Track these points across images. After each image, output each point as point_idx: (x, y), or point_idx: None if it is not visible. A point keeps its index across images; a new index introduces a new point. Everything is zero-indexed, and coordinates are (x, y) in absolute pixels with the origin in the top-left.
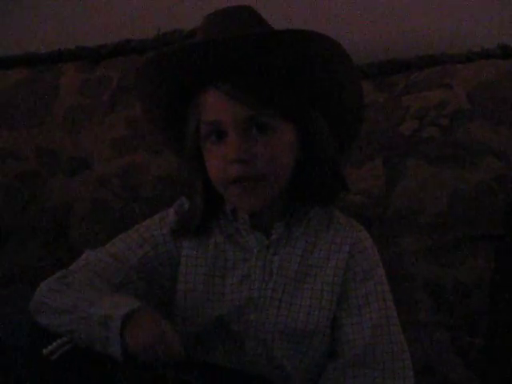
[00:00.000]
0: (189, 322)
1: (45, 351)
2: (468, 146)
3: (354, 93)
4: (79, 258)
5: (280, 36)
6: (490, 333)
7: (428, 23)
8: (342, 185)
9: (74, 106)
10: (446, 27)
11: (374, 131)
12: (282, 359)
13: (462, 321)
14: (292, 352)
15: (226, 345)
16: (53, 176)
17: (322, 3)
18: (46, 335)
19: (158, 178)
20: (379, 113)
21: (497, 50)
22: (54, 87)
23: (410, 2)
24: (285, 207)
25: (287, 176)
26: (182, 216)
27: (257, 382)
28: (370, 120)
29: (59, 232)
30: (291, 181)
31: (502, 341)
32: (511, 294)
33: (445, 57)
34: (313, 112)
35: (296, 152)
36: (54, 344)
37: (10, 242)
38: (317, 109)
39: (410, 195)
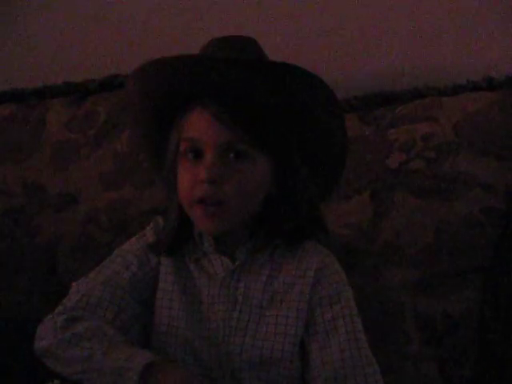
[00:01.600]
0: (162, 339)
1: None
2: (455, 178)
3: (338, 137)
4: (70, 292)
5: (272, 67)
6: (479, 365)
7: (413, 56)
8: (321, 227)
9: (61, 142)
10: (432, 60)
11: (361, 164)
12: None
13: (451, 353)
14: (261, 382)
15: (203, 372)
16: (40, 211)
17: (308, 37)
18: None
19: (145, 212)
20: (366, 146)
21: (482, 82)
22: (41, 122)
23: (395, 36)
24: (250, 232)
25: (253, 207)
26: (158, 233)
27: None
28: (356, 153)
29: (47, 267)
30: (259, 214)
31: (491, 373)
32: (500, 326)
33: (430, 90)
34: (292, 150)
35: (267, 186)
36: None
37: None
38: (298, 150)
39: (397, 228)
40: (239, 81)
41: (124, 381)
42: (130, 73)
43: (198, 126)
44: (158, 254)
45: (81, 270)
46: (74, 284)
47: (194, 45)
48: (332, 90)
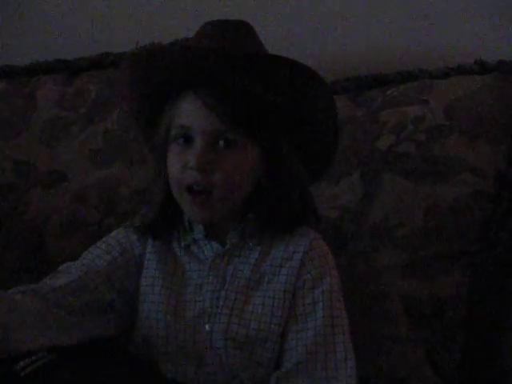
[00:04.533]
0: (145, 325)
1: (16, 366)
2: (444, 161)
3: (329, 124)
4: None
5: (265, 60)
6: (466, 348)
7: (405, 39)
8: (313, 216)
9: (51, 119)
10: (423, 43)
11: (351, 146)
12: (238, 371)
13: (438, 336)
14: (247, 362)
15: (186, 357)
16: (30, 189)
17: (300, 19)
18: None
19: (135, 191)
20: (356, 128)
21: (474, 65)
22: (31, 100)
23: (387, 18)
24: (241, 217)
25: (242, 196)
26: (144, 215)
27: None
28: (347, 135)
29: (35, 245)
30: (249, 200)
31: (478, 356)
32: (488, 310)
33: (421, 72)
34: (282, 140)
35: (257, 175)
36: (27, 360)
37: None
38: (289, 137)
39: (386, 210)
40: (232, 72)
41: None
42: (125, 55)
43: (190, 113)
44: (144, 235)
45: (69, 248)
46: (65, 263)
47: (187, 25)
48: (323, 79)
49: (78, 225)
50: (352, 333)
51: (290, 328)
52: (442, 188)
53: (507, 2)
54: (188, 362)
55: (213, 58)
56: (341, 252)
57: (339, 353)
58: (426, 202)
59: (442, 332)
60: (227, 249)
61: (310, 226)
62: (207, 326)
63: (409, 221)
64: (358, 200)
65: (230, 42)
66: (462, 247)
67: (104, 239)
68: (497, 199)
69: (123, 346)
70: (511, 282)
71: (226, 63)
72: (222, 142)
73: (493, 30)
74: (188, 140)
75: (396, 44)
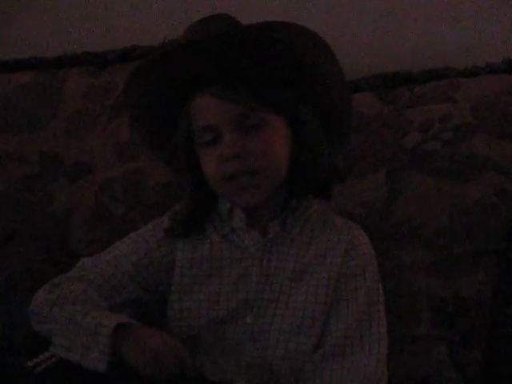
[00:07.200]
0: (184, 324)
1: (30, 363)
2: (471, 160)
3: (338, 84)
4: (76, 265)
5: (254, 30)
6: (490, 347)
7: (433, 37)
8: (338, 176)
9: (78, 111)
10: (451, 41)
11: (378, 143)
12: (278, 363)
13: (462, 335)
14: (288, 351)
15: (223, 350)
16: (55, 180)
17: (328, 15)
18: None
19: (160, 184)
20: (383, 125)
21: (501, 64)
22: (59, 92)
23: (415, 16)
24: (281, 206)
25: (282, 170)
26: (174, 218)
27: None
28: (373, 132)
29: (61, 236)
30: (287, 177)
31: (501, 355)
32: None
33: (449, 71)
34: (302, 105)
35: (289, 146)
36: (41, 357)
37: (12, 244)
38: (306, 104)
39: (411, 208)
40: (230, 56)
41: (97, 337)
42: (130, 74)
43: (207, 111)
44: (174, 238)
45: (93, 241)
46: (82, 259)
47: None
48: (323, 40)
49: (103, 217)
50: None
51: (331, 313)
52: (467, 186)
53: None
54: (227, 357)
55: (204, 48)
56: None
57: (374, 335)
58: (451, 201)
59: (465, 331)
60: (269, 238)
61: (335, 184)
62: (248, 318)
63: (434, 219)
64: (383, 197)
65: (223, 28)
66: (486, 246)
67: (131, 235)
68: None
69: None
70: None
71: (233, 46)
72: (248, 126)
73: None
74: (216, 137)
75: (424, 42)
